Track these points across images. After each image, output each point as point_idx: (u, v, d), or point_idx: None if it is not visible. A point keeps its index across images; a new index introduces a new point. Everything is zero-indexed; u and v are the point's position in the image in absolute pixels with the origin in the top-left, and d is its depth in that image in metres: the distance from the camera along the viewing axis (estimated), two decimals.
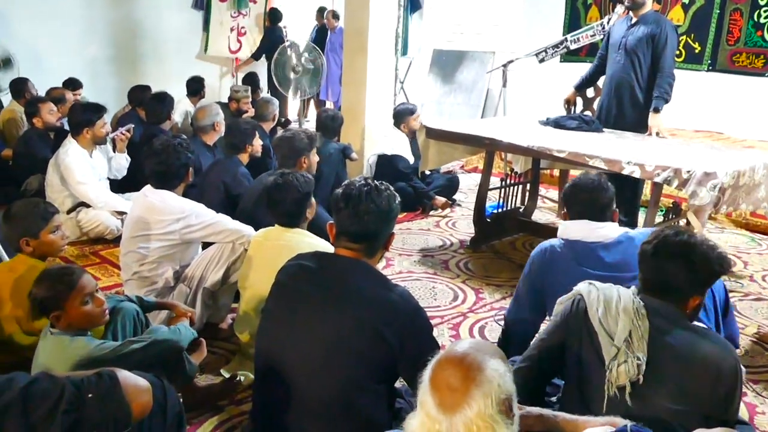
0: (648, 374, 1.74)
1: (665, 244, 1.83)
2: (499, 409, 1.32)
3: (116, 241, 4.00)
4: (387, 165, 5.27)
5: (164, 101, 5.15)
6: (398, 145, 5.33)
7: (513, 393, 1.37)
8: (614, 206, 2.55)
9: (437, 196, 5.34)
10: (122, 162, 4.70)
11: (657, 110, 4.31)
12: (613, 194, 2.54)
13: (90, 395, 1.43)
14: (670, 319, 1.81)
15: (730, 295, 3.64)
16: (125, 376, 1.53)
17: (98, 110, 4.31)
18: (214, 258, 3.00)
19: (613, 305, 1.84)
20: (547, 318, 2.67)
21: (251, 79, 7.57)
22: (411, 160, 5.30)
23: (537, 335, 2.10)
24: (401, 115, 5.44)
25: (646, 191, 4.57)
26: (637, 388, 1.75)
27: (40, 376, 1.45)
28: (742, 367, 1.78)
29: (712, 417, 1.74)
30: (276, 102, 5.71)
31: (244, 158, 4.04)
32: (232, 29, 8.60)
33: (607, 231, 2.49)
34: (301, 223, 2.79)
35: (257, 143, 4.11)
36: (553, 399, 2.11)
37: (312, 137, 3.61)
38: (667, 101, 4.33)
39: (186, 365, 2.36)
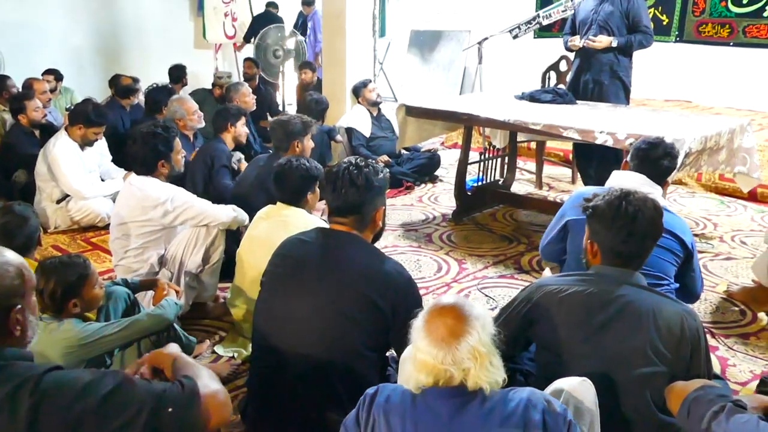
0: (617, 341, 1.82)
1: (632, 224, 1.89)
2: (492, 339, 1.48)
3: (107, 227, 4.04)
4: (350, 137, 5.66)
5: (165, 91, 5.15)
6: (354, 118, 5.67)
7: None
8: (668, 178, 2.67)
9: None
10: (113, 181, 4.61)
11: (617, 43, 4.45)
12: (675, 164, 2.67)
13: (170, 410, 1.38)
14: (634, 285, 1.90)
15: (702, 255, 3.83)
16: (207, 388, 1.44)
17: (101, 118, 4.40)
18: (190, 241, 3.03)
19: None
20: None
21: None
22: (368, 130, 5.64)
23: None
24: (357, 89, 5.81)
25: None
26: (606, 359, 1.82)
27: (121, 384, 1.37)
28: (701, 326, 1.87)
29: (684, 375, 1.82)
30: (244, 86, 5.60)
31: (227, 139, 4.10)
32: (226, 15, 8.59)
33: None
34: (302, 204, 2.85)
35: (240, 126, 4.13)
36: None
37: (307, 123, 3.64)
38: (627, 46, 4.47)
39: (182, 339, 2.46)
